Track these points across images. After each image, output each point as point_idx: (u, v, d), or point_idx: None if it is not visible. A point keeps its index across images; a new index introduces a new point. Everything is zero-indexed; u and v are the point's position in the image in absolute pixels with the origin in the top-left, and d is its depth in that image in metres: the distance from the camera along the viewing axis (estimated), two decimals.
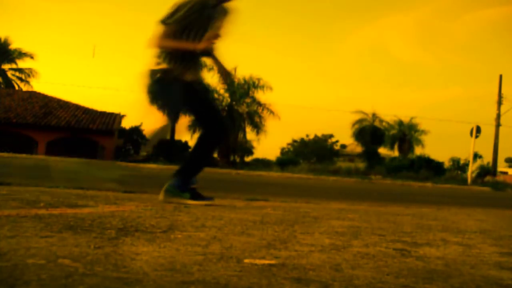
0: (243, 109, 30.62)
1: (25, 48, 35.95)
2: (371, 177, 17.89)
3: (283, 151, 45.40)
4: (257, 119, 30.96)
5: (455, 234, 2.16)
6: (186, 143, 34.47)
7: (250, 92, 30.92)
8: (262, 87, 30.54)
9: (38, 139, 24.22)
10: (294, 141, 46.65)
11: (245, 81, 30.66)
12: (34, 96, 27.90)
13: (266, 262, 1.24)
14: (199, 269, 1.11)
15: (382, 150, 36.23)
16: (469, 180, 18.58)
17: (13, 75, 35.99)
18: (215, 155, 30.23)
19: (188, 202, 2.76)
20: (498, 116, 26.36)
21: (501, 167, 39.07)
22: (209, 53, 2.96)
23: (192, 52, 2.84)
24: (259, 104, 30.85)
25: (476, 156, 30.77)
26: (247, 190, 5.18)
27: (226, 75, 3.16)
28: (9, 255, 1.09)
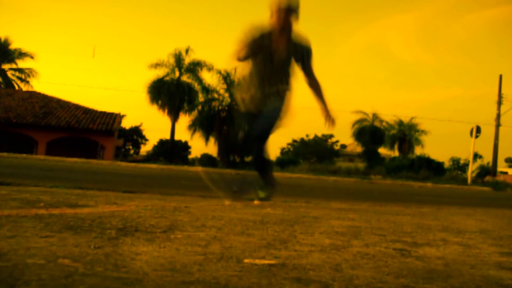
0: None
1: (25, 48, 36.05)
2: (371, 177, 17.89)
3: (283, 151, 45.41)
4: None
5: (455, 234, 2.16)
6: (186, 143, 34.47)
7: None
8: None
9: (38, 139, 24.22)
10: (294, 141, 46.67)
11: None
12: (34, 96, 27.90)
13: (266, 262, 1.24)
14: (199, 269, 1.11)
15: (382, 150, 36.26)
16: (469, 180, 18.59)
17: (13, 75, 36.00)
18: (215, 155, 30.25)
19: None
20: (498, 116, 26.37)
21: (501, 167, 39.13)
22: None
23: None
24: None
25: (476, 156, 30.80)
26: None
27: (330, 119, 3.32)
28: (9, 255, 1.09)
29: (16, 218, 1.67)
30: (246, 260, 1.24)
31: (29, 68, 36.12)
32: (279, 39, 3.19)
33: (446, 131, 59.54)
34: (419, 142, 35.66)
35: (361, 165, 27.03)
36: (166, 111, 30.82)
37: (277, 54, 3.20)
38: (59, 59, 74.35)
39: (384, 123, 36.32)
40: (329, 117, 3.29)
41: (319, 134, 46.96)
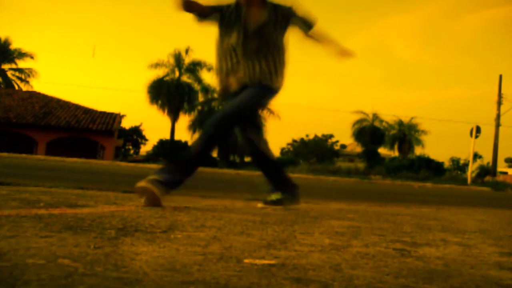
0: None
1: (25, 48, 36.10)
2: (371, 177, 17.89)
3: (283, 151, 45.40)
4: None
5: (455, 234, 2.16)
6: (186, 143, 34.49)
7: None
8: None
9: (38, 139, 24.22)
10: (294, 141, 46.65)
11: None
12: (34, 96, 27.91)
13: (266, 262, 1.24)
14: (199, 269, 1.11)
15: (382, 150, 36.28)
16: (469, 180, 18.60)
17: (13, 75, 36.02)
18: (215, 154, 30.28)
19: None
20: (498, 116, 26.38)
21: (501, 167, 39.15)
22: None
23: None
24: None
25: (476, 156, 30.82)
26: (247, 190, 5.18)
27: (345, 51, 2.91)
28: (9, 255, 1.09)
29: (16, 218, 1.67)
30: (246, 260, 1.24)
31: (29, 68, 36.15)
32: (249, 9, 2.75)
33: (446, 131, 59.62)
34: (419, 142, 35.69)
35: (361, 165, 27.03)
36: (166, 111, 30.85)
37: (250, 27, 2.73)
38: (59, 59, 74.45)
39: (384, 123, 36.36)
40: (342, 49, 2.89)
41: (319, 134, 46.99)
